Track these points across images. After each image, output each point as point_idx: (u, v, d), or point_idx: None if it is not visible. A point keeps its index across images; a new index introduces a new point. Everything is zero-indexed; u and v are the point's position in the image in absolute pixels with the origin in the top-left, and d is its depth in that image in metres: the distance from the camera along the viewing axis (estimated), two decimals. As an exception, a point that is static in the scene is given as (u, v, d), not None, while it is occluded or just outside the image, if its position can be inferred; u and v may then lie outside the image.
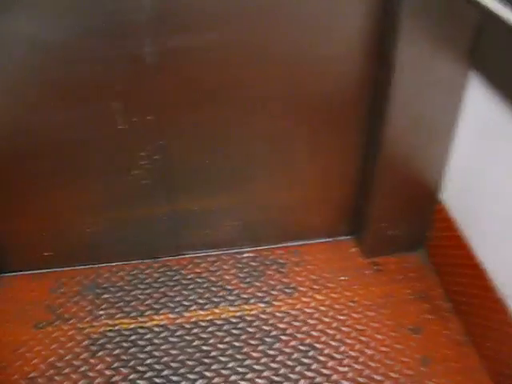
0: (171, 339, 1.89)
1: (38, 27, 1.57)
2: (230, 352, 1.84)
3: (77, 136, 1.81)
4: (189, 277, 2.10)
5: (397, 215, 2.05)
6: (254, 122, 1.86)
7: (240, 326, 1.92)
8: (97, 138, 1.83)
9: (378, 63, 1.77)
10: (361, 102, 1.87)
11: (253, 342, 1.87)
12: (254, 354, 1.83)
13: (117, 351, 1.86)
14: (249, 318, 1.94)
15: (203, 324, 1.93)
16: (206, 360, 1.82)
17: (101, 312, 1.98)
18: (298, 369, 1.79)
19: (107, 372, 1.79)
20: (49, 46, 1.61)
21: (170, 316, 1.96)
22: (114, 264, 2.16)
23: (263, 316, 1.95)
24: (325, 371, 1.78)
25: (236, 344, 1.86)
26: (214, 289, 2.05)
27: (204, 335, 1.90)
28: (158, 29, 1.62)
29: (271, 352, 1.84)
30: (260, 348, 1.85)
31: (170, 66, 1.71)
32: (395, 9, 1.60)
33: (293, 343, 1.86)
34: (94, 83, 1.70)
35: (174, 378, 1.77)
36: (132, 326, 1.93)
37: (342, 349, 1.85)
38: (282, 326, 1.92)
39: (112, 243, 2.10)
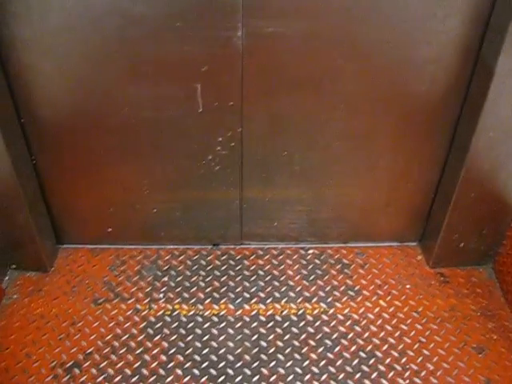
0: (230, 331, 1.85)
1: (132, 2, 1.53)
2: (288, 351, 1.80)
3: (157, 114, 1.78)
4: (251, 268, 2.06)
5: (471, 227, 1.98)
6: (337, 117, 1.81)
7: (301, 324, 1.88)
8: (176, 119, 1.79)
9: (475, 70, 1.69)
10: (451, 108, 1.80)
11: (313, 342, 1.83)
12: (314, 356, 1.79)
13: (174, 337, 1.83)
14: (310, 318, 1.90)
15: (263, 319, 1.89)
16: (264, 357, 1.78)
17: (160, 295, 1.96)
18: (357, 376, 1.74)
19: (163, 357, 1.77)
20: (141, 22, 1.58)
21: (230, 307, 1.92)
22: (175, 247, 2.13)
23: (325, 317, 1.90)
24: (385, 382, 1.73)
25: (295, 343, 1.82)
26: (276, 283, 2.01)
27: (263, 330, 1.86)
28: (250, 13, 1.57)
29: (331, 355, 1.79)
30: (320, 350, 1.80)
31: (258, 52, 1.66)
32: (503, 16, 1.51)
33: (353, 349, 1.81)
34: (181, 63, 1.67)
35: (231, 372, 1.74)
36: (191, 313, 1.90)
37: (404, 360, 1.79)
38: (343, 329, 1.87)
39: (176, 226, 2.07)
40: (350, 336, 1.84)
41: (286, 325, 1.87)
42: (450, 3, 1.55)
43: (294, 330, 1.86)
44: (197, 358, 1.77)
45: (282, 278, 2.02)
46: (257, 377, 1.73)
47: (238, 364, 1.76)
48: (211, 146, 1.83)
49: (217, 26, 1.59)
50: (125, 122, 1.77)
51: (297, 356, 1.78)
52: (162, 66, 1.67)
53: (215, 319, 1.88)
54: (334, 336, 1.84)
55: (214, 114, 1.76)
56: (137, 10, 1.54)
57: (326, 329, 1.86)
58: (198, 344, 1.81)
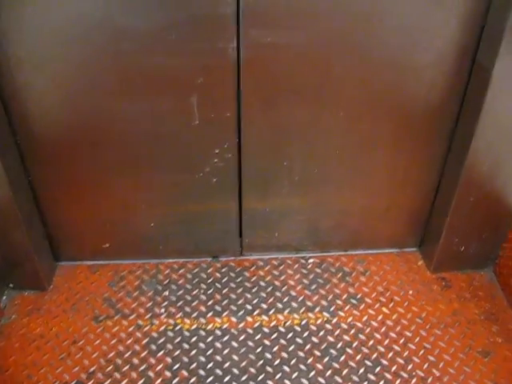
0: (233, 344, 1.83)
1: (125, 16, 1.52)
2: (293, 362, 1.79)
3: (153, 128, 1.76)
4: (252, 279, 2.04)
5: (471, 231, 1.98)
6: (337, 125, 1.80)
7: (304, 335, 1.86)
8: (172, 132, 1.78)
9: (472, 73, 1.69)
10: (448, 112, 1.80)
11: (317, 353, 1.81)
12: (319, 366, 1.77)
13: (177, 352, 1.81)
14: (313, 328, 1.88)
15: (266, 330, 1.87)
16: (270, 369, 1.77)
17: (161, 310, 1.94)
18: (364, 385, 1.72)
19: (167, 373, 1.75)
20: (133, 36, 1.56)
21: (233, 319, 1.90)
22: (175, 260, 2.10)
23: (328, 326, 1.89)
24: (392, 390, 1.70)
25: (300, 354, 1.81)
26: (278, 294, 1.99)
27: (267, 342, 1.84)
28: (243, 23, 1.56)
29: (336, 365, 1.78)
30: (325, 360, 1.79)
31: (257, 62, 1.65)
32: (499, 19, 1.52)
33: (359, 357, 1.80)
34: (175, 75, 1.65)
35: (237, 386, 1.71)
36: (193, 327, 1.88)
37: (410, 367, 1.78)
38: (347, 338, 1.85)
39: (174, 239, 2.05)
40: (354, 345, 1.83)
41: (289, 335, 1.85)
42: (447, 7, 1.55)
43: (299, 340, 1.84)
44: (201, 372, 1.75)
45: (283, 289, 2.01)
46: (263, 389, 1.70)
47: (244, 377, 1.74)
48: (208, 158, 1.81)
49: (211, 37, 1.58)
50: (120, 136, 1.75)
51: (302, 367, 1.77)
52: (156, 79, 1.65)
53: (218, 332, 1.86)
54: (339, 345, 1.83)
55: (211, 125, 1.75)
56: (129, 24, 1.53)
57: (330, 338, 1.85)
58: (202, 358, 1.79)
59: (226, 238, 2.06)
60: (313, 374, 1.75)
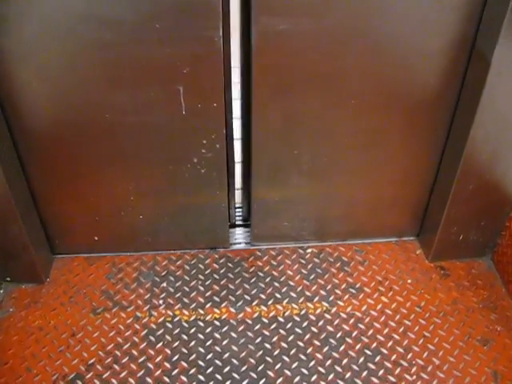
0: (233, 334, 1.83)
1: (110, 6, 1.50)
2: (293, 352, 1.78)
3: (139, 119, 1.75)
4: (251, 270, 2.03)
5: (470, 220, 1.97)
6: (348, 114, 1.79)
7: (304, 325, 1.86)
8: (160, 123, 1.77)
9: (470, 61, 1.68)
10: (447, 100, 1.80)
11: (317, 342, 1.80)
12: (319, 356, 1.77)
13: (176, 343, 1.80)
14: (313, 317, 1.88)
15: (266, 321, 1.87)
16: (269, 359, 1.76)
17: (159, 301, 1.93)
18: (364, 374, 1.73)
19: (167, 364, 1.74)
20: (119, 26, 1.54)
21: (232, 310, 1.90)
22: (172, 252, 2.09)
23: (328, 316, 1.88)
24: (392, 379, 1.71)
25: (300, 344, 1.80)
26: (276, 284, 1.98)
27: (267, 332, 1.83)
28: (255, 10, 1.54)
29: (336, 355, 1.77)
30: (325, 350, 1.79)
31: (269, 50, 1.63)
32: (498, 7, 1.51)
33: (359, 347, 1.80)
34: (162, 65, 1.64)
35: (236, 376, 1.72)
36: (192, 318, 1.88)
37: (410, 356, 1.78)
38: (347, 327, 1.85)
39: (170, 230, 2.03)
40: (354, 334, 1.83)
41: (289, 325, 1.85)
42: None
43: (298, 330, 1.84)
44: (201, 363, 1.74)
45: (282, 279, 2.00)
46: (263, 380, 1.71)
47: (244, 368, 1.73)
48: (196, 148, 1.80)
49: (197, 26, 1.56)
50: (107, 127, 1.74)
51: (302, 357, 1.76)
52: (142, 69, 1.64)
53: (217, 323, 1.86)
54: (338, 335, 1.82)
55: (198, 116, 1.74)
56: (114, 14, 1.51)
57: (329, 328, 1.84)
58: (202, 349, 1.78)
59: (221, 229, 2.04)
60: (313, 363, 1.74)
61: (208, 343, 1.80)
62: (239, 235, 2.15)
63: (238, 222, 2.18)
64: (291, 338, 1.82)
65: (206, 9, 1.52)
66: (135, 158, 1.84)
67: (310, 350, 1.78)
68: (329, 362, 1.75)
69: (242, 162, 1.97)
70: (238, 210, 2.16)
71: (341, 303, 1.92)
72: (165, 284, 1.98)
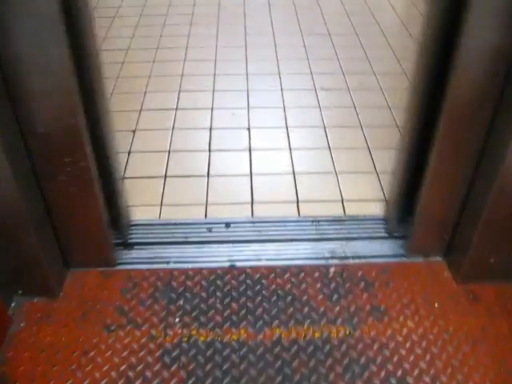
0: (251, 358, 1.75)
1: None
2: (314, 378, 1.71)
3: None
4: (271, 288, 1.95)
5: (502, 242, 1.87)
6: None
7: (326, 349, 1.77)
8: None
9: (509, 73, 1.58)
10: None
11: (339, 369, 1.72)
12: None
13: (192, 366, 1.73)
14: (335, 342, 1.79)
15: (286, 344, 1.78)
16: (289, 385, 1.67)
17: (176, 320, 1.85)
18: (389, 405, 1.62)
19: (182, 388, 1.66)
20: None
21: (250, 331, 1.81)
22: (190, 267, 2.01)
23: (351, 340, 1.80)
24: (418, 411, 1.61)
25: (321, 370, 1.72)
26: (297, 304, 1.90)
27: (287, 356, 1.75)
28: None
29: (360, 383, 1.68)
30: (347, 377, 1.70)
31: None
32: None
33: (383, 374, 1.71)
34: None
35: (255, 403, 1.63)
36: (209, 338, 1.79)
37: (437, 387, 1.68)
38: (371, 353, 1.76)
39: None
40: (378, 361, 1.74)
41: (310, 350, 1.77)
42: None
43: (319, 355, 1.75)
44: (217, 388, 1.66)
45: (303, 299, 1.92)
46: (282, 408, 1.62)
47: (262, 394, 1.65)
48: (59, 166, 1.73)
49: None
50: None
51: (324, 384, 1.67)
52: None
53: (235, 345, 1.78)
54: (362, 361, 1.74)
55: (56, 133, 1.65)
56: None
57: (352, 353, 1.76)
58: (219, 373, 1.70)
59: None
60: (335, 391, 1.65)
61: (225, 366, 1.72)
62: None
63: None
64: (312, 363, 1.74)
65: None
66: None
67: (331, 378, 1.70)
68: (352, 391, 1.66)
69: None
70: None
71: (365, 327, 1.84)
72: (181, 301, 1.91)
